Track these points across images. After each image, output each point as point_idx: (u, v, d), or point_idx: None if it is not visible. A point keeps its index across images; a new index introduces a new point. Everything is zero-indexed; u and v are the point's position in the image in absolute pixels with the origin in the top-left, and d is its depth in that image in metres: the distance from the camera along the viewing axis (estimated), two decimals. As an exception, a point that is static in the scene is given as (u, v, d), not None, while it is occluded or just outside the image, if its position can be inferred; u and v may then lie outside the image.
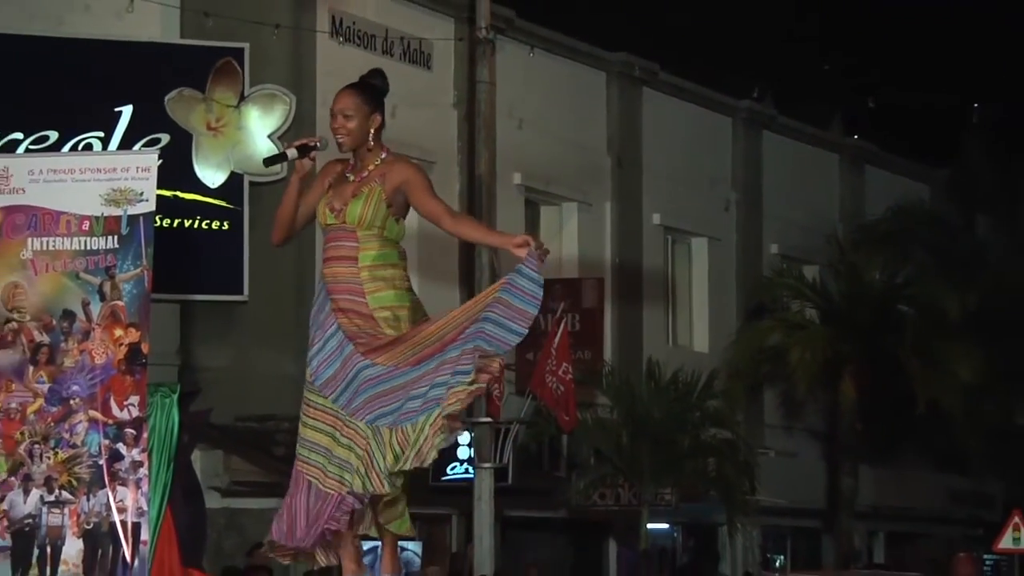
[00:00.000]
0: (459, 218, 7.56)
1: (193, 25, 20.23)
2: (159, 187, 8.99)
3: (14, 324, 8.69)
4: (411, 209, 7.43)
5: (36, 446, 8.58)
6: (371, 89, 7.47)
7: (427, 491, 20.74)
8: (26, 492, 8.54)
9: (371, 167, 7.39)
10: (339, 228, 7.32)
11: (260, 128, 20.31)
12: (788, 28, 30.40)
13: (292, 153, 7.46)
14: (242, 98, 20.20)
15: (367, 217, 7.28)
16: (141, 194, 8.78)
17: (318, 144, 7.48)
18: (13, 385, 8.63)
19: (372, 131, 7.40)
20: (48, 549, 8.50)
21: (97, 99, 19.43)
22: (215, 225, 19.75)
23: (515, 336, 7.09)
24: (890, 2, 31.75)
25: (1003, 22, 31.64)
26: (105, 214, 8.74)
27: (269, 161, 7.56)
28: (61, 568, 8.48)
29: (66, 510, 8.52)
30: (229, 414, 18.73)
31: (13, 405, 8.61)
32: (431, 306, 7.59)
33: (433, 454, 7.08)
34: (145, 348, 8.70)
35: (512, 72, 22.30)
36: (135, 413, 8.59)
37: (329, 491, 7.20)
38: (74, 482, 8.55)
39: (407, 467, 7.10)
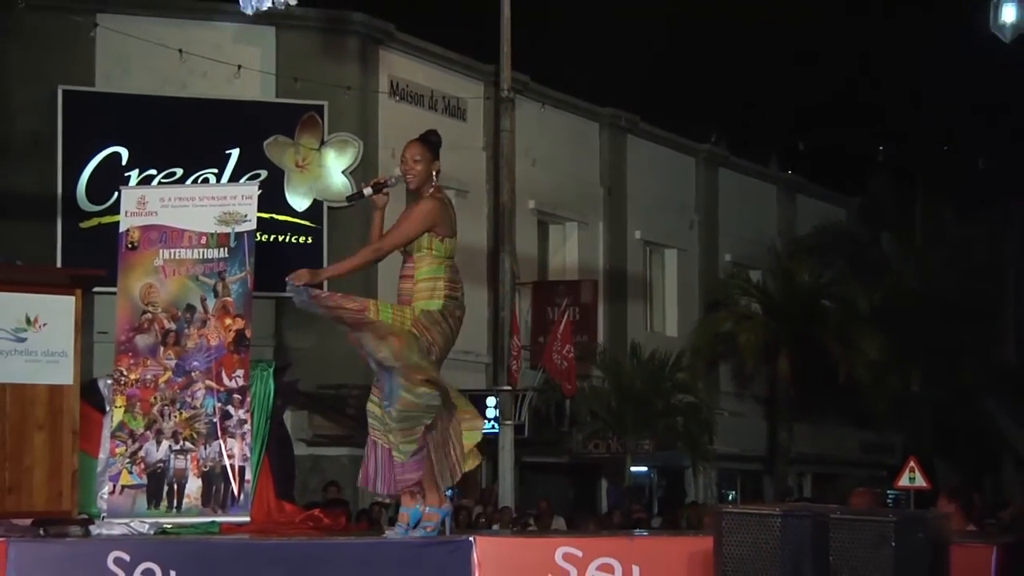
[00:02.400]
0: (368, 248, 7.37)
1: (285, 87, 20.26)
2: (259, 211, 8.99)
3: (149, 315, 8.69)
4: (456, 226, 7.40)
5: (166, 408, 8.57)
6: (432, 143, 7.48)
7: (462, 442, 20.75)
8: (158, 443, 8.54)
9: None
10: (406, 253, 7.33)
11: (336, 166, 20.34)
12: (738, 90, 30.34)
13: (368, 191, 7.41)
14: (322, 143, 20.23)
15: (416, 244, 7.28)
16: (245, 216, 8.77)
17: (390, 181, 7.43)
18: (148, 362, 8.63)
19: (434, 174, 7.39)
20: (175, 486, 8.48)
21: (212, 144, 19.47)
22: (301, 240, 19.78)
23: None
24: (815, 72, 31.67)
25: (902, 84, 31.60)
26: (218, 231, 8.73)
27: (350, 199, 7.47)
28: (185, 501, 8.47)
29: (188, 456, 8.51)
30: (313, 383, 18.74)
31: (148, 376, 8.61)
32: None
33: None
34: (248, 333, 8.69)
35: (527, 123, 22.29)
36: (240, 383, 8.58)
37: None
38: (194, 435, 8.54)
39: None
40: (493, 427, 19.70)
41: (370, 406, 7.31)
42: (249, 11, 10.76)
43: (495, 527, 16.21)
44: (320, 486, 18.34)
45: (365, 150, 20.46)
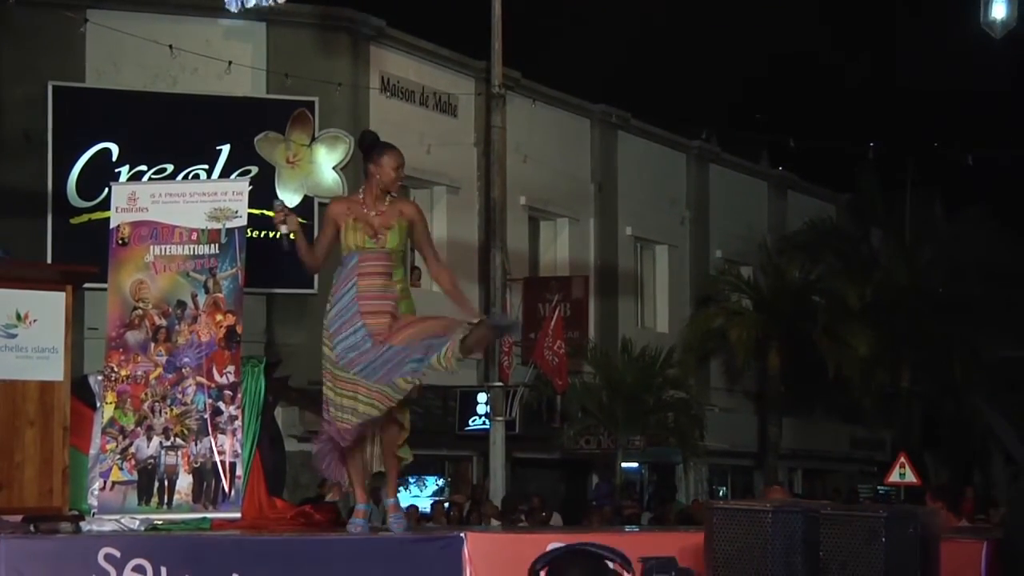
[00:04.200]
0: (442, 268, 7.59)
1: (276, 83, 20.23)
2: (249, 207, 9.00)
3: (140, 311, 8.68)
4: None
5: (156, 404, 8.57)
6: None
7: (454, 438, 20.74)
8: (149, 439, 8.53)
9: (387, 203, 7.40)
10: (377, 251, 7.34)
11: (327, 162, 20.30)
12: (730, 86, 30.38)
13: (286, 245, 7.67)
14: (313, 139, 20.18)
15: (399, 244, 7.32)
16: (236, 212, 8.78)
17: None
18: (139, 358, 8.62)
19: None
20: (165, 482, 8.48)
21: (203, 140, 19.42)
22: (292, 236, 19.72)
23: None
24: (806, 70, 31.71)
25: (892, 80, 31.66)
26: (209, 227, 8.73)
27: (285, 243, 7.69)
28: (176, 497, 8.46)
29: (179, 452, 8.51)
30: (303, 379, 18.56)
31: (139, 373, 8.60)
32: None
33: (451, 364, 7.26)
34: (239, 329, 8.69)
35: (519, 119, 22.26)
36: (231, 379, 8.58)
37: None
38: (185, 431, 8.54)
39: (439, 365, 7.26)
40: (484, 423, 19.70)
41: (344, 400, 7.38)
42: (234, 8, 10.71)
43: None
44: (311, 482, 18.32)
45: (356, 146, 20.41)
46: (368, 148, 7.53)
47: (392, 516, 7.46)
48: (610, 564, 5.81)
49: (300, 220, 7.80)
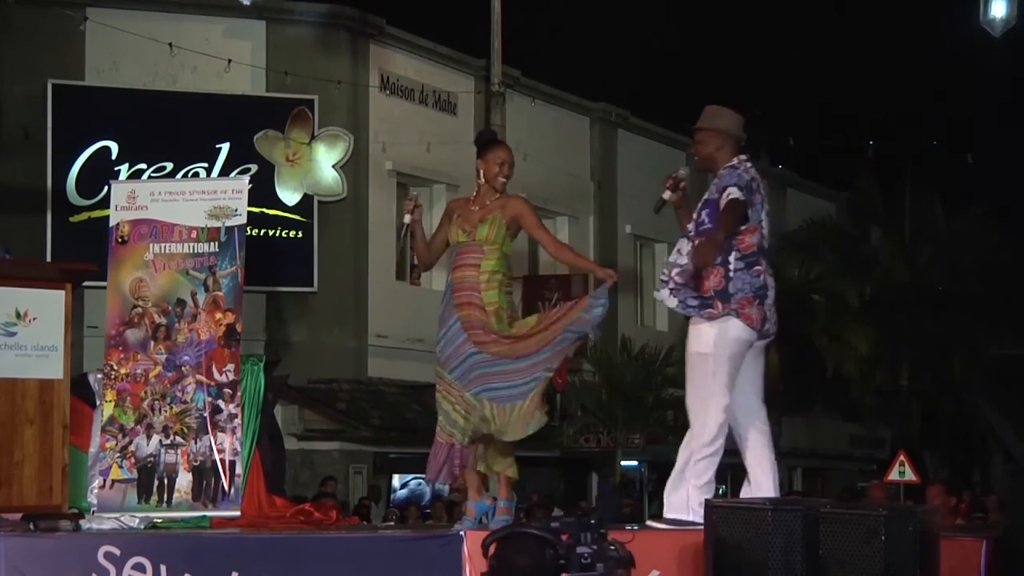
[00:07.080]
0: (560, 246, 7.77)
1: (275, 82, 20.24)
2: (249, 205, 8.98)
3: (139, 309, 8.68)
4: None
5: (156, 402, 8.56)
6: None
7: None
8: (148, 437, 8.52)
9: (489, 200, 7.47)
10: (469, 244, 7.36)
11: (326, 160, 20.32)
12: (728, 86, 30.36)
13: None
14: (312, 137, 20.21)
15: (491, 237, 7.34)
16: (236, 210, 8.76)
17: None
18: (139, 356, 8.62)
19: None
20: (165, 480, 8.48)
21: (202, 138, 19.45)
22: (292, 234, 19.75)
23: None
24: (805, 67, 31.72)
25: (891, 81, 31.66)
26: (208, 226, 8.72)
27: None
28: (175, 495, 8.46)
29: (179, 451, 8.50)
30: (303, 378, 18.74)
31: (139, 371, 8.59)
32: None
33: (530, 430, 7.58)
34: (239, 327, 8.68)
35: (518, 117, 22.27)
36: (231, 377, 8.57)
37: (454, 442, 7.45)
38: (185, 429, 8.53)
39: (511, 438, 7.57)
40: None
41: (445, 404, 7.43)
42: (246, 1, 10.69)
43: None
44: (311, 480, 18.33)
45: (355, 144, 20.43)
46: (482, 145, 7.65)
47: (500, 517, 7.55)
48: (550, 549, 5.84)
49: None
